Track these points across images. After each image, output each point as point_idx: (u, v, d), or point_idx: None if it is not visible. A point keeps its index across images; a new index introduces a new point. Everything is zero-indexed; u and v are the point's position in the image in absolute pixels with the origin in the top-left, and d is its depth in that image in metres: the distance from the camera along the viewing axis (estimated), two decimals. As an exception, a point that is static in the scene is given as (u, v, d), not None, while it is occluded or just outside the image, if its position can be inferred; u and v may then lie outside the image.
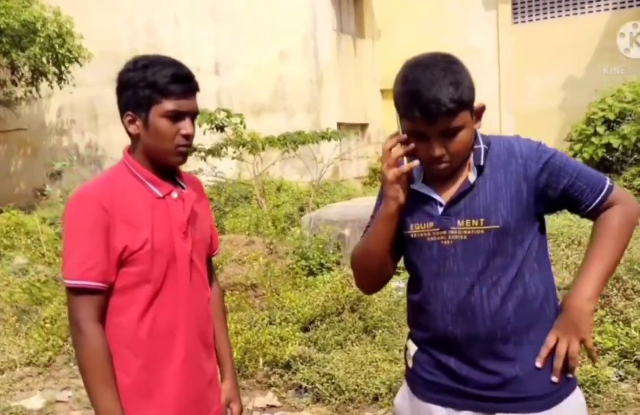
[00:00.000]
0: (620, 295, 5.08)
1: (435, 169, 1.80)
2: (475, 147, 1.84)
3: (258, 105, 12.21)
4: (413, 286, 1.96)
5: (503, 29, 13.62)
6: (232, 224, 8.29)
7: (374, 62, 14.21)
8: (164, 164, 2.02)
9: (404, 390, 2.05)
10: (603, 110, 8.54)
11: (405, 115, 1.75)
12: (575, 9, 13.12)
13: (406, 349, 2.02)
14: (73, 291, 1.91)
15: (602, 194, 1.81)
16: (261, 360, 4.92)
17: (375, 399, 4.37)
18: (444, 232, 1.81)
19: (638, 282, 5.12)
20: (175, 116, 1.96)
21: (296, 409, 4.47)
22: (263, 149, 8.31)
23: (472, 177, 1.82)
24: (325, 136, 8.80)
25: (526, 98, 13.31)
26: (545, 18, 13.48)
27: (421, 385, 1.94)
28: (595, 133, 8.61)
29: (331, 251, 6.43)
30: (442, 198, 1.84)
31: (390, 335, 5.02)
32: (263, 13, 12.22)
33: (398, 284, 5.83)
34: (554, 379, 1.79)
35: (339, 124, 11.79)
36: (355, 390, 4.40)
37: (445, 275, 1.82)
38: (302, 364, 4.77)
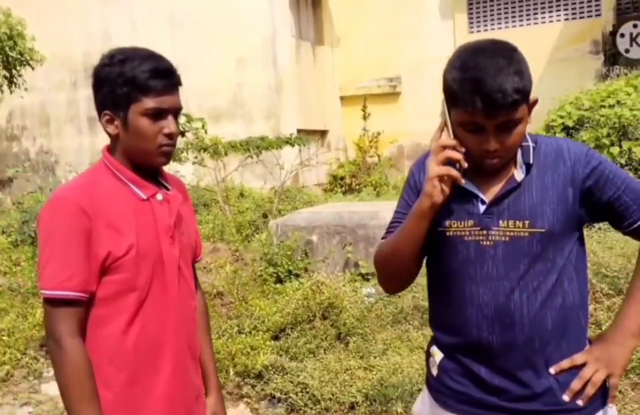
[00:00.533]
0: (590, 298, 5.12)
1: (486, 163, 1.69)
2: (524, 144, 1.73)
3: (216, 111, 12.01)
4: (440, 288, 1.84)
5: (460, 39, 13.73)
6: (196, 231, 8.08)
7: (333, 69, 14.17)
8: (147, 165, 1.89)
9: (424, 398, 1.94)
10: (562, 117, 8.66)
11: (463, 105, 1.62)
12: (529, 19, 13.36)
13: (429, 355, 1.90)
14: (50, 303, 1.76)
15: None
16: (232, 371, 4.78)
17: (352, 407, 4.28)
18: (484, 232, 1.71)
19: (606, 286, 5.16)
20: (157, 114, 1.82)
21: (270, 420, 4.35)
22: (225, 154, 8.15)
23: (519, 175, 1.72)
24: (289, 141, 8.70)
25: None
26: (500, 28, 13.67)
27: (448, 395, 1.83)
28: (555, 140, 8.71)
29: (299, 258, 6.32)
30: (485, 195, 1.73)
31: (364, 342, 4.95)
32: (221, 19, 12.05)
33: (369, 290, 5.77)
34: (566, 398, 1.70)
35: (299, 131, 11.68)
36: (330, 400, 4.30)
37: (483, 278, 1.72)
38: (274, 373, 4.65)
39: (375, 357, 4.70)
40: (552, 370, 1.70)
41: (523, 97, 1.60)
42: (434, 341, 1.91)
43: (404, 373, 4.41)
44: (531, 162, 1.72)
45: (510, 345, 1.70)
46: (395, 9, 13.76)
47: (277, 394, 4.49)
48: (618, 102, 7.85)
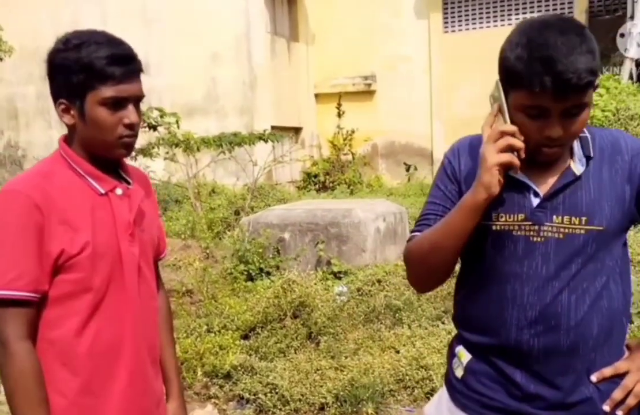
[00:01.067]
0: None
1: (545, 152, 1.54)
2: (582, 135, 1.59)
3: (189, 106, 11.86)
4: (477, 285, 1.69)
5: (434, 38, 13.78)
6: (165, 228, 7.95)
7: (308, 65, 14.10)
8: (106, 157, 1.77)
9: (441, 400, 1.81)
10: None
11: (529, 86, 1.46)
12: (503, 19, 13.42)
13: (453, 355, 1.76)
14: None
15: None
16: (199, 371, 4.67)
17: (322, 408, 4.19)
18: (536, 227, 1.57)
19: None
20: (116, 103, 1.70)
21: (238, 422, 4.25)
22: (198, 149, 8.03)
23: (577, 168, 1.58)
24: (262, 137, 8.60)
25: (456, 106, 13.48)
26: (475, 28, 13.72)
27: (472, 399, 1.70)
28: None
29: (271, 255, 6.24)
30: (539, 188, 1.59)
31: (335, 342, 4.87)
32: (195, 13, 11.90)
33: (341, 288, 5.71)
34: (606, 408, 1.59)
35: (273, 127, 11.59)
36: (300, 400, 4.21)
37: (530, 277, 1.58)
38: (243, 373, 4.55)
39: (346, 357, 4.63)
40: (593, 378, 1.59)
41: (594, 79, 1.46)
42: (460, 341, 1.76)
43: (375, 373, 4.35)
44: (592, 154, 1.59)
45: (552, 350, 1.58)
46: (371, 8, 13.73)
47: (246, 395, 4.38)
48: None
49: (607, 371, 1.59)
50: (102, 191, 1.75)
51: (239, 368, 4.59)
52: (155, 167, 8.73)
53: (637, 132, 7.59)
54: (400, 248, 6.91)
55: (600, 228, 1.55)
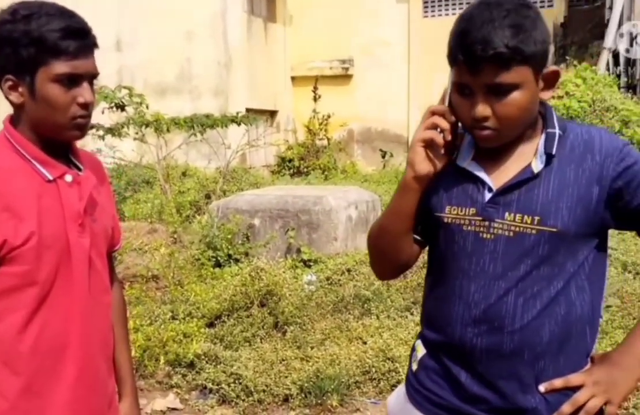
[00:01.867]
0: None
1: (477, 135, 1.48)
2: (549, 130, 1.51)
3: (162, 85, 11.64)
4: (433, 280, 1.66)
5: (414, 23, 13.67)
6: (132, 211, 7.78)
7: (285, 47, 13.91)
8: (57, 139, 1.64)
9: (400, 392, 1.77)
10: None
11: (451, 62, 1.46)
12: (482, 6, 13.39)
13: (413, 349, 1.73)
14: None
15: None
16: (162, 359, 4.55)
17: (286, 400, 4.11)
18: (486, 223, 1.51)
19: None
20: (70, 80, 1.57)
21: (200, 412, 4.14)
22: (168, 130, 7.85)
23: (537, 165, 1.49)
24: (235, 120, 8.44)
25: (434, 93, 13.21)
26: (455, 13, 13.61)
27: (421, 394, 1.66)
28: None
29: (240, 242, 6.12)
30: (494, 182, 1.52)
31: (302, 332, 4.78)
32: (170, -11, 11.67)
33: (310, 277, 5.62)
34: None
35: (248, 110, 11.42)
36: (264, 391, 4.13)
37: (477, 274, 1.52)
38: (207, 362, 4.45)
39: (312, 348, 4.55)
40: (541, 388, 1.50)
41: (515, 55, 1.39)
42: (420, 335, 1.73)
43: (342, 364, 4.27)
44: (553, 152, 1.49)
45: (494, 352, 1.51)
46: (350, -10, 13.58)
47: (209, 385, 4.28)
48: (567, 93, 7.87)
49: (558, 382, 1.51)
50: (50, 178, 1.62)
51: (203, 357, 4.49)
52: (125, 148, 8.55)
53: (612, 124, 7.58)
54: (372, 236, 6.84)
55: (554, 229, 1.46)
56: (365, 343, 4.56)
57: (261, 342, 4.73)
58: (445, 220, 1.56)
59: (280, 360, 4.42)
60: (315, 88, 13.46)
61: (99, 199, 1.76)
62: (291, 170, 12.72)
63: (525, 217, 1.48)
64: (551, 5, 12.86)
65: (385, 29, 13.62)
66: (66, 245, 1.62)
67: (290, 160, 12.94)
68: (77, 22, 1.60)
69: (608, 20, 11.13)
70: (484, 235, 1.51)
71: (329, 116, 13.38)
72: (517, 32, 1.38)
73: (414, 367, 1.69)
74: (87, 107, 1.62)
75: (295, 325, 4.87)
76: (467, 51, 1.39)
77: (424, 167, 1.52)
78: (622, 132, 7.53)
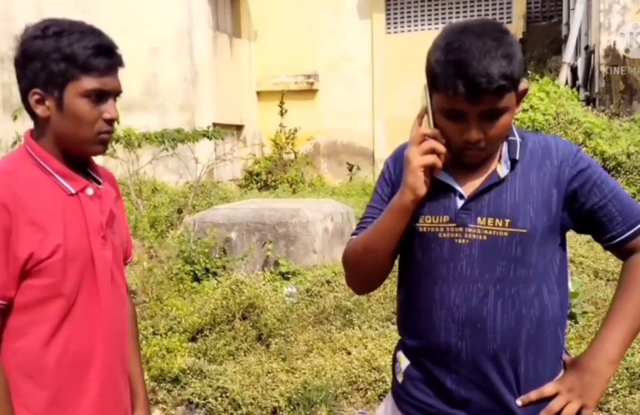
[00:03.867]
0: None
1: (467, 155, 1.55)
2: (510, 138, 1.60)
3: (129, 101, 11.46)
4: (409, 288, 1.70)
5: (377, 39, 13.85)
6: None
7: (250, 63, 13.93)
8: (80, 153, 1.67)
9: (387, 405, 1.80)
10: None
11: (444, 88, 1.48)
12: (444, 21, 13.62)
13: (395, 360, 1.76)
14: None
15: (634, 229, 1.57)
16: (146, 375, 4.51)
17: (274, 412, 4.12)
18: (460, 229, 1.57)
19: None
20: (98, 96, 1.62)
21: (187, 427, 4.13)
22: (139, 145, 7.79)
23: (502, 170, 1.58)
24: (206, 135, 8.43)
25: (397, 107, 13.57)
26: (417, 30, 13.87)
27: (413, 406, 1.69)
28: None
29: (217, 256, 6.10)
30: (463, 189, 1.59)
31: (286, 343, 4.80)
32: (135, 4, 11.57)
33: (290, 289, 5.64)
34: None
35: (214, 124, 11.37)
36: (252, 404, 4.13)
37: (455, 279, 1.57)
38: (192, 377, 4.43)
39: (297, 359, 4.57)
40: (518, 402, 1.57)
41: (511, 84, 1.47)
42: (400, 345, 1.76)
43: (328, 375, 4.30)
44: (517, 158, 1.58)
45: (479, 353, 1.56)
46: (314, 6, 13.70)
47: (195, 399, 4.26)
48: (532, 106, 8.07)
49: (533, 395, 1.57)
50: (72, 191, 1.65)
51: (188, 371, 4.47)
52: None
53: (576, 136, 7.82)
54: (347, 248, 6.89)
55: (524, 231, 1.54)
56: (349, 354, 4.60)
57: (245, 355, 4.73)
58: (421, 229, 1.61)
59: (266, 373, 4.43)
60: (282, 102, 13.51)
61: (116, 212, 1.80)
62: (258, 184, 12.72)
63: (497, 220, 1.55)
64: (510, 22, 13.19)
65: (349, 45, 13.77)
66: (90, 258, 1.65)
67: (257, 174, 12.93)
68: (107, 41, 1.66)
69: (565, 36, 11.48)
70: (459, 241, 1.57)
71: (295, 130, 13.44)
72: (509, 62, 1.46)
73: (400, 379, 1.73)
74: (112, 123, 1.67)
75: (278, 337, 4.88)
76: (470, 83, 1.43)
77: (423, 189, 1.56)
78: (586, 143, 7.78)
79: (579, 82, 10.57)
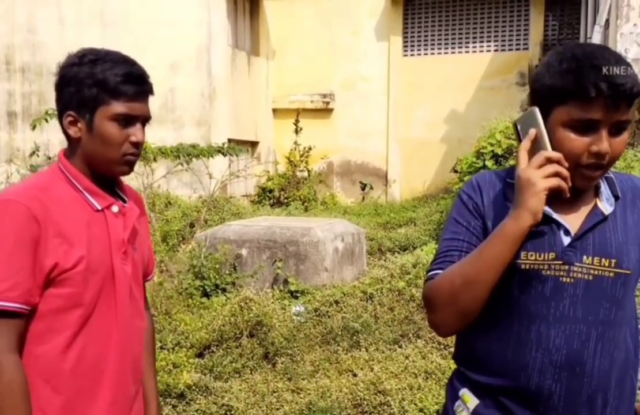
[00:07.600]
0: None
1: (584, 174, 1.47)
2: (607, 175, 1.55)
3: (145, 115, 11.66)
4: (495, 325, 1.59)
5: (394, 61, 13.91)
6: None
7: (268, 80, 14.03)
8: (107, 173, 1.79)
9: None
10: (492, 145, 8.84)
11: (582, 94, 1.40)
12: (460, 47, 13.65)
13: (456, 397, 1.66)
14: None
15: None
16: (153, 389, 4.54)
17: (278, 432, 4.13)
18: (566, 268, 1.49)
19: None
20: (126, 120, 1.73)
21: (191, 443, 4.15)
22: (155, 159, 7.87)
23: (605, 207, 1.53)
24: (221, 150, 8.49)
25: (412, 128, 13.64)
26: (433, 54, 13.92)
27: None
28: (484, 166, 8.90)
29: (227, 272, 6.14)
30: (569, 225, 1.52)
31: (292, 363, 4.81)
32: (155, 21, 11.72)
33: (298, 308, 5.66)
34: None
35: (230, 140, 11.46)
36: (256, 423, 4.14)
37: (557, 319, 1.50)
38: (198, 393, 4.45)
39: (303, 379, 4.58)
40: None
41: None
42: (463, 381, 1.66)
43: (333, 397, 4.31)
44: (619, 194, 1.54)
45: (573, 398, 1.49)
46: (332, 27, 13.81)
47: (200, 416, 4.29)
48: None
49: None
50: (99, 207, 1.76)
51: (194, 387, 4.49)
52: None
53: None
54: (357, 269, 6.90)
55: (628, 272, 1.49)
56: (355, 375, 4.60)
57: (251, 373, 4.75)
58: (523, 266, 1.52)
59: (271, 392, 4.44)
60: (297, 121, 13.59)
61: (139, 229, 1.91)
62: (271, 201, 12.76)
63: (603, 260, 1.49)
64: (527, 49, 13.21)
65: (366, 66, 13.85)
66: (110, 271, 1.75)
67: (270, 191, 12.98)
68: (138, 70, 1.78)
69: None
70: (564, 280, 1.49)
71: (309, 148, 13.49)
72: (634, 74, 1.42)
73: None
74: (138, 146, 1.78)
75: (285, 356, 4.90)
76: (613, 85, 1.38)
77: (541, 215, 1.46)
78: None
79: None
